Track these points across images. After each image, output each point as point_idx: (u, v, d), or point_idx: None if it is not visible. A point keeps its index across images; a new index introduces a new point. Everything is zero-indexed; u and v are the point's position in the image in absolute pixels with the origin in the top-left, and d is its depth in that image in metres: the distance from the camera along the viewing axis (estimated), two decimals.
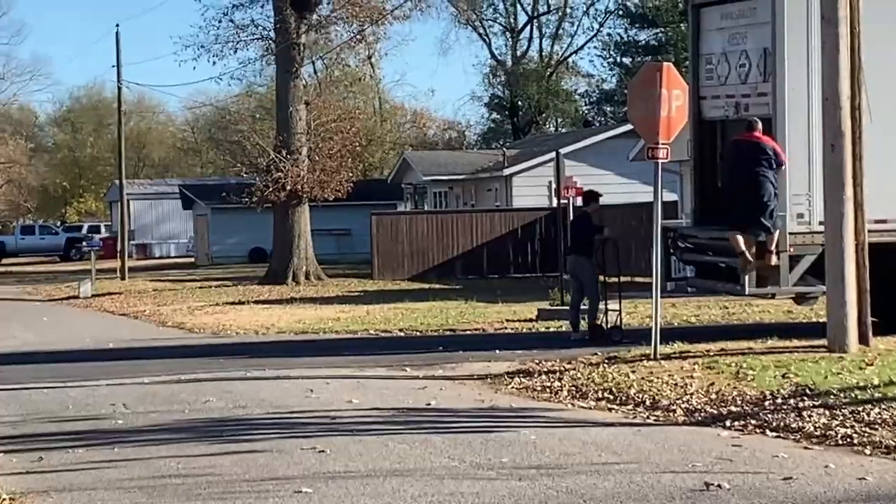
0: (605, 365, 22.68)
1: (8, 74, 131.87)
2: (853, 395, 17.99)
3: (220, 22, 57.52)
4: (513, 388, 21.65)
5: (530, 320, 33.85)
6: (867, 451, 14.80)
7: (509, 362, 24.57)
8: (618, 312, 29.41)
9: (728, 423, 17.12)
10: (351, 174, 58.45)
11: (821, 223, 24.71)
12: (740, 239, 24.95)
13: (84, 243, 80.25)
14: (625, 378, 21.05)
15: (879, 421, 16.20)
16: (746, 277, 25.76)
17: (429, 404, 19.65)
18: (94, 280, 58.22)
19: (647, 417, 18.15)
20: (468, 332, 31.87)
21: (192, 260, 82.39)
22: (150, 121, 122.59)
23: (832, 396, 18.02)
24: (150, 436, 17.31)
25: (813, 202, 25.57)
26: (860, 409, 16.96)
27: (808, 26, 24.82)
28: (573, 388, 20.90)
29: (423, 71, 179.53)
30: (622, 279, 31.27)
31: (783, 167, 24.94)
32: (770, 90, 25.62)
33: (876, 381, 18.91)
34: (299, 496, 12.86)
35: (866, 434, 15.58)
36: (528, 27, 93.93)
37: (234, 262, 71.31)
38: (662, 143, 23.03)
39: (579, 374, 21.93)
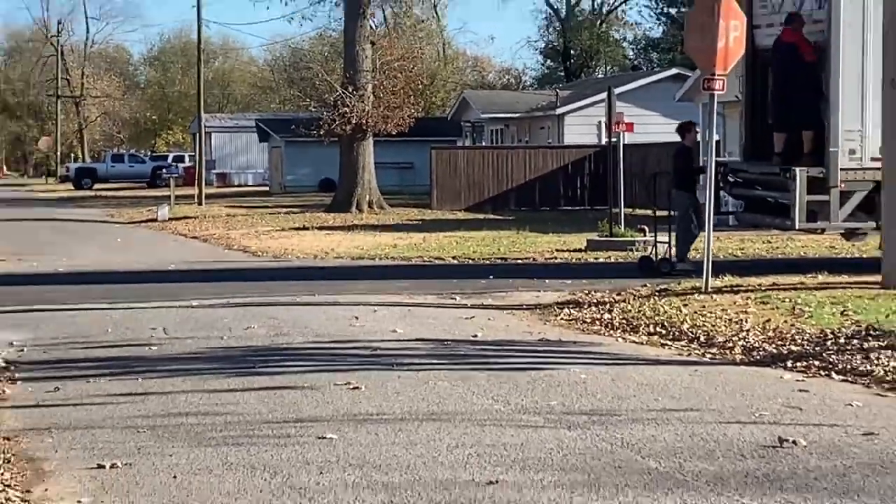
0: (656, 297, 20.41)
1: (104, 16, 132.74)
2: None
3: None
4: (562, 319, 19.45)
5: (579, 250, 31.71)
6: None
7: (559, 292, 22.34)
8: (667, 245, 27.13)
9: (790, 364, 14.85)
10: (413, 111, 57.72)
11: (873, 159, 23.47)
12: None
13: (165, 171, 79.55)
14: (676, 311, 18.80)
15: None
16: (797, 211, 23.52)
17: (475, 336, 17.32)
18: (173, 205, 56.67)
19: (703, 355, 15.90)
20: (519, 262, 29.66)
21: (267, 189, 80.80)
22: (234, 61, 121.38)
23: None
24: (179, 365, 15.10)
25: (865, 137, 23.71)
26: None
27: None
28: (624, 321, 18.71)
29: (484, 19, 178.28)
30: (666, 212, 28.73)
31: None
32: (825, 17, 23.68)
33: None
34: (322, 443, 10.60)
35: None
36: None
37: (304, 192, 69.50)
38: (719, 74, 20.67)
39: (630, 307, 19.65)
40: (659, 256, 27.24)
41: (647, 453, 10.05)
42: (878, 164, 22.76)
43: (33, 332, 18.08)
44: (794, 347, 15.66)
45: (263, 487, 9.15)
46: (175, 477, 9.54)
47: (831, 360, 14.71)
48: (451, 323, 18.81)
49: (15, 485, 9.40)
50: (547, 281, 24.51)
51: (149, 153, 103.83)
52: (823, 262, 25.68)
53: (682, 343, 16.67)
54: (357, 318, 19.14)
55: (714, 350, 16.05)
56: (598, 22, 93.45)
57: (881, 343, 15.36)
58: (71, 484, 9.44)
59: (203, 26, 70.02)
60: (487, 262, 30.15)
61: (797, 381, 13.73)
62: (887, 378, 13.56)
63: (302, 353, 15.83)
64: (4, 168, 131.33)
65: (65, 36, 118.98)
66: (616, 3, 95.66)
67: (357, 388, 13.05)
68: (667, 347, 16.48)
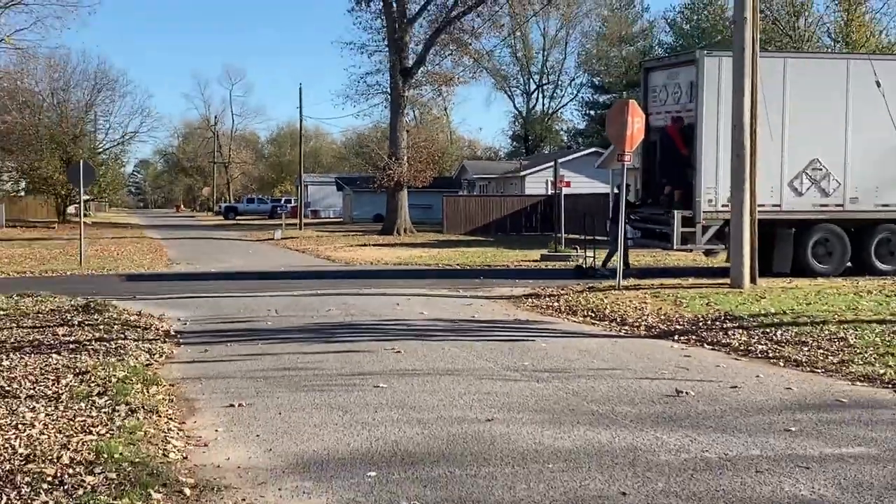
0: (587, 292, 19.64)
1: (243, 113, 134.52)
2: (760, 320, 15.07)
3: (357, 82, 55.44)
4: (528, 305, 18.71)
5: (536, 261, 31.01)
6: (781, 364, 11.98)
7: (524, 288, 21.59)
8: (592, 258, 26.55)
9: (676, 337, 14.22)
10: (431, 172, 57.51)
11: (723, 205, 22.66)
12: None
13: (279, 208, 79.13)
14: (600, 301, 18.05)
15: (784, 340, 13.25)
16: (675, 238, 23.07)
17: (473, 317, 16.63)
18: (284, 229, 56.20)
19: (620, 331, 15.21)
20: (498, 267, 28.92)
21: (342, 220, 79.84)
22: (322, 141, 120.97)
23: (745, 320, 15.04)
24: (285, 335, 14.41)
25: (717, 192, 22.94)
26: (768, 330, 14.00)
27: (720, 73, 22.19)
28: (567, 308, 17.94)
29: (475, 115, 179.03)
30: (589, 237, 28.73)
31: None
32: (695, 107, 22.99)
33: (773, 310, 15.94)
34: (376, 390, 9.98)
35: (777, 350, 12.68)
36: (536, 92, 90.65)
37: (364, 222, 68.66)
38: (627, 152, 20.10)
39: (570, 298, 18.92)
40: (587, 265, 26.62)
41: (590, 400, 9.43)
42: (726, 209, 22.33)
43: (193, 312, 17.42)
44: (678, 326, 14.99)
45: (338, 422, 8.55)
46: (280, 413, 8.94)
47: (702, 335, 14.05)
48: (458, 308, 18.10)
49: (174, 418, 8.79)
50: (516, 280, 23.68)
51: (269, 197, 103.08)
52: (691, 270, 25.14)
53: (606, 323, 15.97)
54: (398, 304, 18.49)
55: (626, 327, 15.37)
56: (546, 119, 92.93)
57: (734, 324, 14.69)
58: (211, 418, 8.85)
59: (303, 120, 69.42)
60: (478, 267, 29.26)
61: (682, 349, 13.07)
62: (739, 348, 12.92)
63: (363, 328, 15.19)
64: (182, 206, 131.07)
65: (218, 125, 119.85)
66: (557, 108, 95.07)
67: (399, 351, 12.43)
68: (596, 325, 15.79)
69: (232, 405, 9.31)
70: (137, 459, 7.10)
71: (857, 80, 23.31)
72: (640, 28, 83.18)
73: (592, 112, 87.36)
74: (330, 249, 40.36)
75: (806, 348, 12.48)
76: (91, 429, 8.03)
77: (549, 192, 51.46)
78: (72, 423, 8.23)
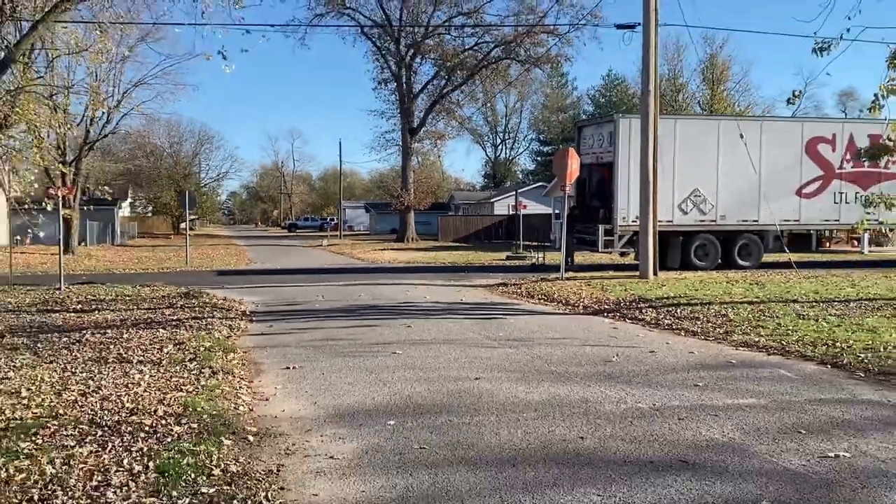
0: (540, 282, 18.83)
1: (301, 158, 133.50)
2: (664, 301, 14.22)
3: (379, 138, 55.37)
4: (499, 292, 17.75)
5: (503, 260, 30.08)
6: (682, 334, 11.12)
7: (496, 279, 20.70)
8: (542, 257, 25.77)
9: (605, 314, 13.31)
10: (430, 200, 56.77)
11: (632, 221, 22.14)
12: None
13: (325, 224, 78.05)
14: (549, 288, 17.22)
15: (682, 316, 12.40)
16: (600, 244, 22.53)
17: (462, 300, 15.71)
18: (329, 239, 55.33)
19: (565, 310, 14.28)
20: (477, 265, 28.05)
21: (368, 233, 78.49)
22: (355, 178, 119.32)
23: (653, 302, 14.19)
24: (328, 314, 13.49)
25: (629, 211, 22.20)
26: (670, 309, 13.17)
27: (630, 129, 21.38)
28: (527, 293, 17.02)
29: (459, 160, 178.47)
30: (539, 244, 27.30)
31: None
32: (613, 150, 22.31)
33: (672, 294, 15.17)
34: (394, 356, 9.19)
35: (678, 324, 11.83)
36: (501, 145, 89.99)
37: (384, 234, 67.23)
38: (568, 185, 19.40)
39: (529, 286, 18.02)
40: (538, 263, 25.88)
41: (550, 362, 8.67)
42: (634, 224, 21.68)
43: (262, 297, 16.57)
44: (606, 306, 14.15)
45: (366, 380, 7.78)
46: (322, 374, 8.16)
47: (624, 312, 13.23)
48: (451, 293, 17.18)
49: (245, 378, 8.02)
50: (490, 274, 22.86)
51: (319, 217, 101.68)
52: (611, 266, 24.33)
53: (555, 304, 15.13)
54: (408, 291, 17.57)
55: (570, 307, 14.51)
56: (507, 163, 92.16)
57: (646, 305, 13.89)
58: (272, 378, 8.07)
59: (342, 164, 68.66)
60: (463, 265, 28.40)
61: (611, 323, 12.27)
62: (651, 322, 12.11)
63: (384, 308, 14.23)
64: (259, 223, 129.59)
65: (284, 167, 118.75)
66: (514, 155, 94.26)
67: (409, 326, 11.58)
68: (548, 305, 14.93)
69: (288, 367, 8.55)
70: (215, 412, 6.37)
71: (724, 134, 22.75)
72: (570, 101, 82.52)
73: (539, 158, 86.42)
74: (360, 252, 39.45)
75: (699, 322, 11.76)
76: (182, 387, 7.29)
77: (511, 213, 50.95)
78: (168, 382, 7.49)
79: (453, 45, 50.06)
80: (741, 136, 20.50)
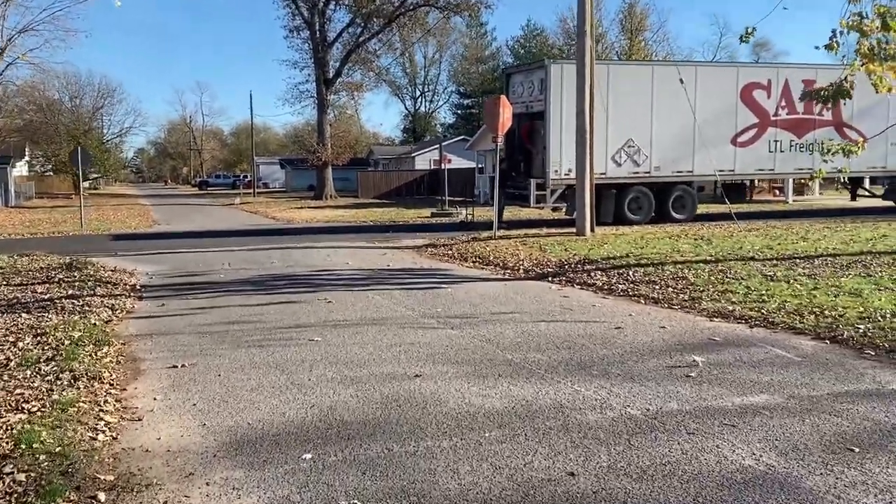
0: (472, 242, 17.27)
1: (210, 113, 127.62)
2: (611, 262, 12.81)
3: (293, 89, 52.67)
4: (429, 254, 16.02)
5: (429, 217, 28.29)
6: (642, 301, 9.67)
7: (423, 240, 19.02)
8: (471, 213, 24.23)
9: (550, 279, 11.76)
10: (349, 155, 54.16)
11: (565, 174, 20.77)
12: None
13: (238, 182, 74.62)
14: (483, 249, 15.70)
15: (637, 280, 10.97)
16: (532, 198, 21.01)
17: (388, 266, 13.90)
18: (241, 197, 52.66)
19: (505, 274, 12.69)
20: (401, 223, 26.25)
21: (285, 190, 75.21)
22: (269, 133, 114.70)
23: (600, 263, 12.78)
24: (234, 287, 11.45)
25: (561, 163, 20.87)
26: (621, 272, 11.74)
27: (562, 75, 19.94)
28: (459, 255, 15.36)
29: (377, 114, 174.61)
30: (464, 199, 25.75)
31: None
32: (544, 97, 20.68)
33: (617, 254, 13.78)
34: (311, 344, 7.38)
35: (634, 289, 10.38)
36: (420, 97, 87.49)
37: (301, 191, 64.37)
38: (500, 136, 17.83)
39: (461, 247, 16.44)
40: (468, 220, 24.29)
41: (503, 347, 7.07)
42: (567, 177, 20.41)
43: (160, 267, 14.40)
44: (549, 269, 12.63)
45: (275, 383, 6.00)
46: (219, 375, 6.34)
47: (571, 276, 11.73)
48: (375, 257, 15.36)
49: (116, 384, 6.15)
50: (417, 234, 21.13)
51: (231, 174, 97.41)
52: (544, 221, 22.93)
53: (492, 267, 13.50)
54: (328, 256, 15.65)
55: (509, 271, 12.94)
56: (427, 117, 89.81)
57: (592, 266, 12.48)
58: (153, 382, 6.21)
59: (254, 117, 65.55)
60: (387, 223, 26.61)
61: (559, 290, 10.77)
62: (604, 287, 10.65)
63: (300, 278, 12.34)
64: (168, 181, 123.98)
65: (192, 122, 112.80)
66: (434, 109, 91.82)
67: (330, 302, 9.76)
68: (484, 270, 13.29)
69: (176, 366, 6.68)
70: (58, 448, 4.53)
71: (659, 81, 21.47)
72: (490, 52, 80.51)
73: (459, 111, 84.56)
74: (275, 211, 37.05)
75: (657, 287, 10.37)
76: (24, 406, 5.37)
77: (432, 168, 49.36)
78: (8, 397, 5.58)
79: None
80: (681, 82, 19.20)
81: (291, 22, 49.59)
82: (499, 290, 10.77)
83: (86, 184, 78.55)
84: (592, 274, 11.77)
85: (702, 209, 23.53)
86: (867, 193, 26.01)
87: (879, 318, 7.82)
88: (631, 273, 11.51)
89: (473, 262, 14.38)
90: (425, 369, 6.33)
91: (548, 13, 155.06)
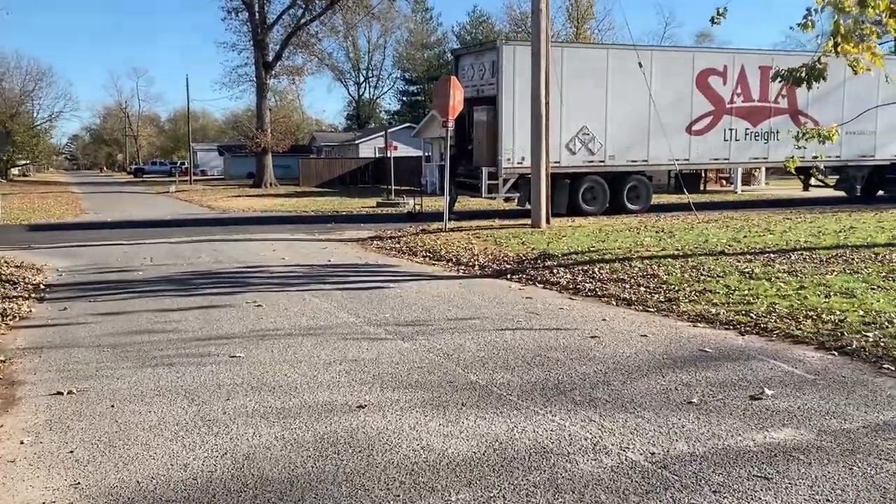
0: (421, 234, 16.12)
1: (147, 99, 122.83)
2: (573, 258, 11.75)
3: (231, 73, 50.31)
4: (374, 247, 14.81)
5: (374, 207, 27.03)
6: (614, 303, 8.62)
7: (368, 231, 17.82)
8: (419, 204, 23.03)
9: (509, 276, 10.66)
10: (289, 141, 52.97)
11: (518, 163, 19.85)
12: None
13: (175, 169, 71.88)
14: (434, 243, 14.56)
15: (604, 278, 9.94)
16: (483, 188, 20.01)
17: (329, 261, 12.58)
18: (177, 185, 50.44)
19: (459, 271, 11.53)
20: (344, 213, 24.90)
21: (223, 178, 72.62)
22: (208, 119, 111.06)
23: (560, 259, 11.75)
24: (151, 286, 10.02)
25: (514, 151, 19.97)
26: (585, 268, 10.70)
27: (515, 57, 19.13)
28: (408, 249, 14.19)
29: (320, 100, 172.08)
30: (410, 188, 24.63)
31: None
32: (496, 82, 19.66)
33: (578, 248, 12.76)
34: (232, 362, 6.09)
35: (602, 288, 9.34)
36: (364, 83, 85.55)
37: (240, 178, 62.11)
38: (451, 120, 16.61)
39: (409, 240, 15.26)
40: (415, 211, 23.07)
41: (465, 365, 5.88)
42: (520, 165, 19.49)
43: (75, 261, 12.83)
44: (507, 265, 11.53)
45: (180, 420, 4.71)
46: (113, 406, 5.03)
47: (531, 274, 10.64)
48: (316, 251, 14.00)
49: None
50: (361, 224, 19.82)
51: (168, 161, 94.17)
52: (497, 212, 22.00)
53: (444, 263, 12.31)
54: (262, 250, 14.24)
55: (463, 267, 11.75)
56: (371, 103, 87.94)
57: (553, 262, 11.42)
58: (27, 416, 4.87)
59: (191, 102, 63.08)
60: (329, 213, 25.14)
61: (520, 289, 9.64)
62: (569, 287, 9.58)
63: (228, 276, 10.98)
64: (104, 168, 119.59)
65: (129, 108, 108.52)
66: (379, 95, 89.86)
67: (260, 305, 8.45)
68: (436, 266, 12.09)
69: (60, 392, 5.34)
70: None
71: (614, 65, 20.58)
72: (435, 38, 79.07)
73: (405, 98, 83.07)
74: (211, 200, 35.28)
75: (627, 286, 9.36)
76: None
77: (378, 156, 48.03)
78: None
79: None
80: (640, 66, 18.24)
81: (229, 3, 47.53)
82: (454, 290, 9.60)
83: (15, 170, 75.00)
84: (555, 271, 10.70)
85: (655, 199, 22.79)
86: (820, 183, 25.61)
87: (886, 323, 6.91)
88: (596, 270, 10.47)
89: (424, 256, 13.20)
90: (371, 397, 5.13)
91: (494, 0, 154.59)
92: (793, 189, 34.43)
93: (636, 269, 10.35)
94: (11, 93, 67.35)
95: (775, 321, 7.23)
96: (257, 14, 46.24)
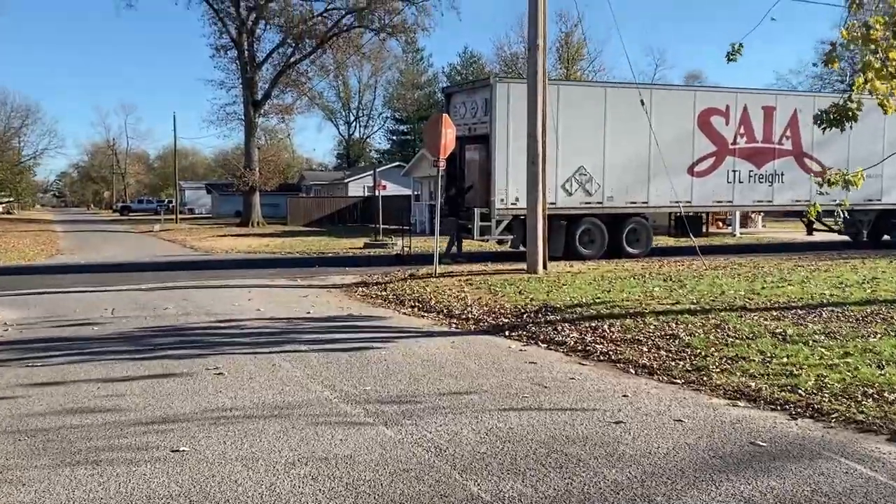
0: (409, 280, 14.97)
1: (136, 136, 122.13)
2: (578, 311, 10.56)
3: (218, 111, 49.47)
4: (359, 295, 13.66)
5: (361, 248, 25.89)
6: (633, 371, 7.48)
7: (353, 276, 16.67)
8: (407, 246, 21.90)
9: (508, 333, 9.51)
10: (278, 180, 52.54)
11: (512, 204, 18.89)
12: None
13: (160, 208, 70.64)
14: (423, 289, 13.45)
15: (617, 339, 8.76)
16: (476, 230, 19.09)
17: (308, 312, 11.35)
18: (163, 223, 49.26)
19: (450, 325, 10.39)
20: (330, 255, 23.73)
21: (211, 216, 71.53)
22: (197, 157, 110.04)
23: (564, 312, 10.53)
24: (105, 346, 8.71)
25: (508, 192, 19.02)
26: (593, 324, 9.52)
27: (509, 94, 18.38)
28: (395, 297, 13.01)
29: (310, 139, 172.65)
30: (399, 227, 23.76)
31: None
32: (489, 119, 18.81)
33: (582, 299, 11.62)
34: (174, 460, 4.81)
35: (617, 352, 8.18)
36: (354, 122, 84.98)
37: (227, 217, 60.87)
38: (442, 159, 15.56)
39: (396, 287, 14.09)
40: (404, 253, 21.84)
41: (463, 466, 4.63)
42: (514, 206, 18.59)
43: (27, 312, 11.55)
44: (504, 319, 10.34)
45: None
46: None
47: (532, 330, 9.45)
48: (295, 300, 12.73)
49: None
50: (347, 268, 18.62)
51: (155, 199, 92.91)
52: (486, 254, 20.89)
53: (434, 315, 11.16)
54: (236, 300, 12.82)
55: (455, 320, 10.60)
56: (361, 142, 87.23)
57: (556, 317, 10.21)
58: None
59: (179, 140, 62.21)
60: (314, 254, 23.98)
61: (521, 350, 8.45)
62: (577, 348, 8.41)
63: (193, 333, 9.67)
64: (91, 205, 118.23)
65: (117, 145, 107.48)
66: (369, 134, 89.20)
67: (221, 373, 7.20)
68: (426, 318, 10.93)
69: None
70: None
71: (612, 103, 19.70)
72: (426, 79, 78.74)
73: (395, 137, 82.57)
74: (195, 239, 34.11)
75: (645, 348, 8.21)
76: None
77: (367, 195, 47.10)
78: None
79: (300, 12, 45.02)
80: (642, 103, 17.31)
81: (218, 40, 46.88)
82: (446, 351, 8.39)
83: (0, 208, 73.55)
84: (559, 327, 9.52)
85: (654, 242, 21.71)
86: (824, 227, 24.64)
87: None
88: (606, 327, 9.30)
89: (412, 307, 12.01)
90: None
91: (484, 41, 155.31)
92: (791, 232, 33.55)
93: (651, 326, 9.19)
94: None
95: (829, 400, 6.06)
96: (246, 52, 45.54)
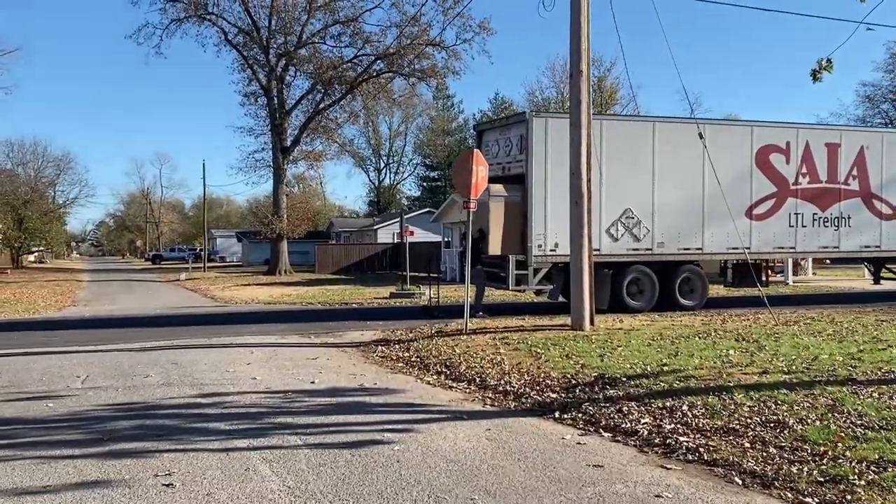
0: (436, 337, 12.95)
1: (170, 186, 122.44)
2: (642, 383, 8.38)
3: (247, 158, 47.91)
4: (377, 356, 11.66)
5: (387, 298, 23.98)
6: (738, 481, 5.26)
7: (374, 331, 14.75)
8: (436, 296, 19.90)
9: (559, 415, 7.40)
10: (307, 227, 51.07)
11: (552, 250, 16.99)
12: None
13: (189, 256, 69.75)
14: (451, 351, 11.45)
15: (701, 425, 6.61)
16: (511, 279, 17.05)
17: (313, 382, 9.29)
18: (189, 272, 48.07)
19: (484, 399, 8.35)
20: (354, 304, 21.88)
21: (241, 264, 70.30)
22: (231, 206, 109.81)
23: (626, 384, 8.37)
24: (47, 435, 6.71)
25: (546, 238, 17.04)
26: (668, 403, 7.35)
27: (547, 131, 16.80)
28: (418, 360, 11.05)
29: (342, 186, 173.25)
30: (427, 274, 22.59)
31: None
32: (524, 158, 17.00)
33: (642, 365, 9.42)
34: None
35: (708, 447, 6.02)
36: (385, 169, 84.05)
37: (257, 264, 59.53)
38: (472, 199, 13.60)
39: (421, 346, 12.11)
40: (431, 305, 19.78)
41: None
42: (554, 253, 16.74)
43: None
44: (552, 394, 8.25)
45: None
46: None
47: (590, 411, 7.36)
48: (301, 365, 10.69)
49: None
50: (367, 322, 16.71)
51: (187, 247, 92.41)
52: (527, 305, 18.91)
53: (465, 384, 9.17)
54: (232, 366, 10.72)
55: (490, 392, 8.61)
56: (391, 188, 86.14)
57: (617, 391, 8.10)
58: None
59: (209, 188, 61.58)
60: (336, 304, 22.18)
61: (579, 443, 6.34)
62: (654, 441, 6.31)
63: (163, 415, 7.60)
64: (126, 254, 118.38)
65: (151, 194, 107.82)
66: (399, 181, 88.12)
67: (172, 485, 5.23)
68: (455, 390, 8.91)
69: None
70: None
71: (662, 140, 17.73)
72: (456, 125, 77.67)
73: (425, 184, 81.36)
74: (217, 289, 32.50)
75: (746, 443, 6.08)
76: None
77: (395, 241, 45.55)
78: None
79: (330, 58, 43.97)
80: (700, 136, 15.29)
81: (247, 87, 45.96)
82: (480, 446, 6.30)
83: (31, 257, 73.19)
84: (624, 408, 7.40)
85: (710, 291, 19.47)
86: (892, 275, 22.21)
87: None
88: (686, 408, 7.17)
89: (438, 373, 9.98)
90: None
91: (516, 86, 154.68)
92: (845, 279, 31.07)
93: (745, 408, 7.05)
94: (27, 179, 66.14)
95: None
96: (275, 99, 44.57)
